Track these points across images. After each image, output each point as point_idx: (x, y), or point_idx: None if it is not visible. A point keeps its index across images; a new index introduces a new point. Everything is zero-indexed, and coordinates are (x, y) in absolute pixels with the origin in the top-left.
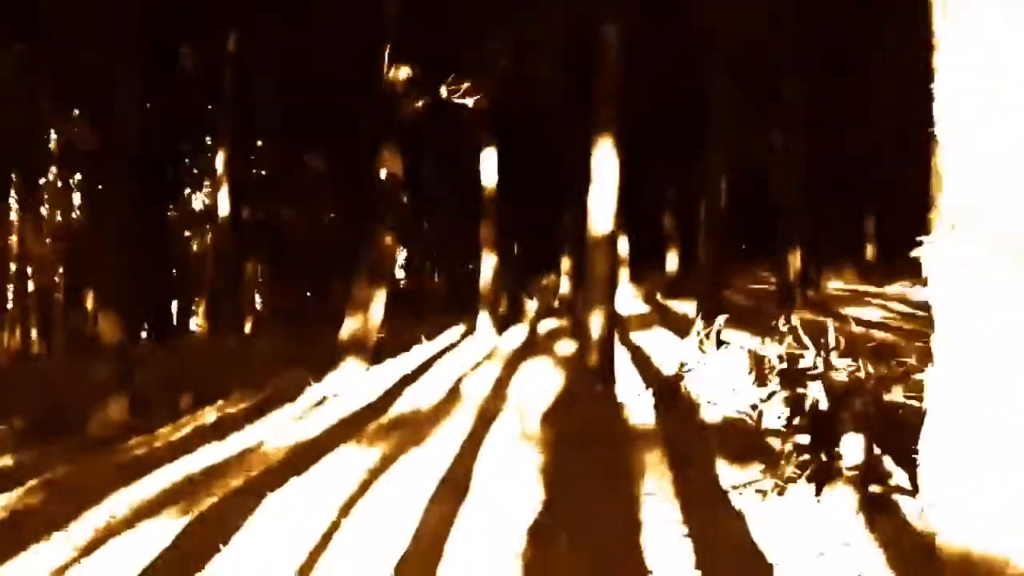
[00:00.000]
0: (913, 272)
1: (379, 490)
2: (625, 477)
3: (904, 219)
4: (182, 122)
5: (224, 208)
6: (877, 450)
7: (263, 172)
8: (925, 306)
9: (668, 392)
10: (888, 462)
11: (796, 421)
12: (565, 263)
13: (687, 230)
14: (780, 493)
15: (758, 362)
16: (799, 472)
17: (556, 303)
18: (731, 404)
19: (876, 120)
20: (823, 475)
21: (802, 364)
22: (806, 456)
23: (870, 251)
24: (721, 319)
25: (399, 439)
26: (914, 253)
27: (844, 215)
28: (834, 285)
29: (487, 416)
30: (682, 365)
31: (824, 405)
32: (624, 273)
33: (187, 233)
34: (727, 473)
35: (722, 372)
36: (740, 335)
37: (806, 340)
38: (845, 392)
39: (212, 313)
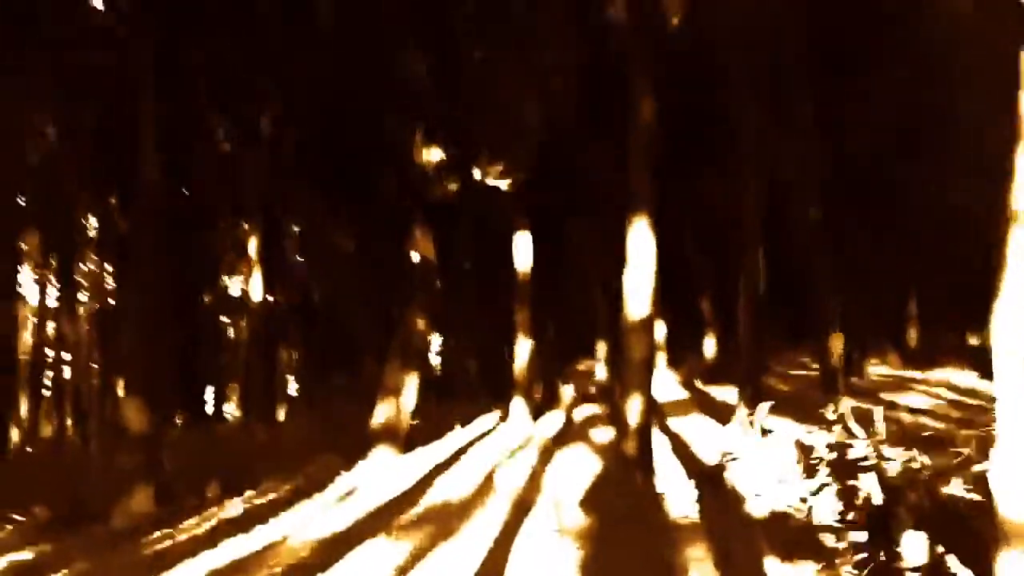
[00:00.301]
0: (956, 357)
1: None
2: (671, 569)
3: (946, 302)
4: (213, 201)
5: (257, 293)
6: (939, 548)
7: (297, 257)
8: (971, 392)
9: (711, 482)
10: (953, 561)
11: (850, 516)
12: (601, 348)
13: (726, 315)
14: None
15: (805, 452)
16: (856, 572)
17: (592, 389)
18: (778, 496)
19: (924, 199)
20: None
21: (852, 454)
22: (863, 555)
23: (912, 335)
24: (764, 406)
25: (430, 532)
26: (973, 340)
27: (885, 298)
28: (877, 371)
29: (522, 507)
30: (725, 454)
31: (878, 499)
32: (661, 358)
33: (223, 318)
34: (776, 571)
35: (767, 462)
36: (784, 422)
37: (856, 429)
38: (900, 485)
39: (246, 399)
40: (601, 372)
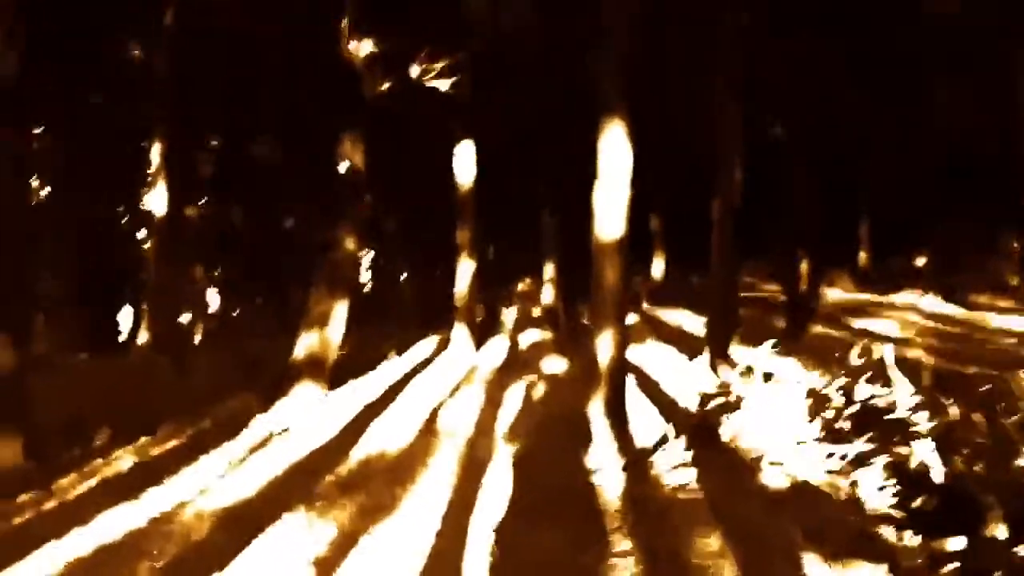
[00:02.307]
0: (907, 280)
1: None
2: None
3: (898, 223)
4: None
5: (161, 207)
6: None
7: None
8: (945, 318)
9: (703, 439)
10: None
11: (918, 502)
12: (548, 268)
13: (677, 234)
14: None
15: (818, 403)
16: None
17: (537, 311)
18: (801, 465)
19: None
20: None
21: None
22: (956, 564)
23: (863, 257)
24: (767, 345)
25: (361, 504)
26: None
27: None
28: (833, 294)
29: (474, 464)
30: (706, 398)
31: (938, 472)
32: None
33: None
34: None
35: (776, 416)
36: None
37: (898, 376)
38: (964, 453)
39: (153, 327)
40: (548, 295)
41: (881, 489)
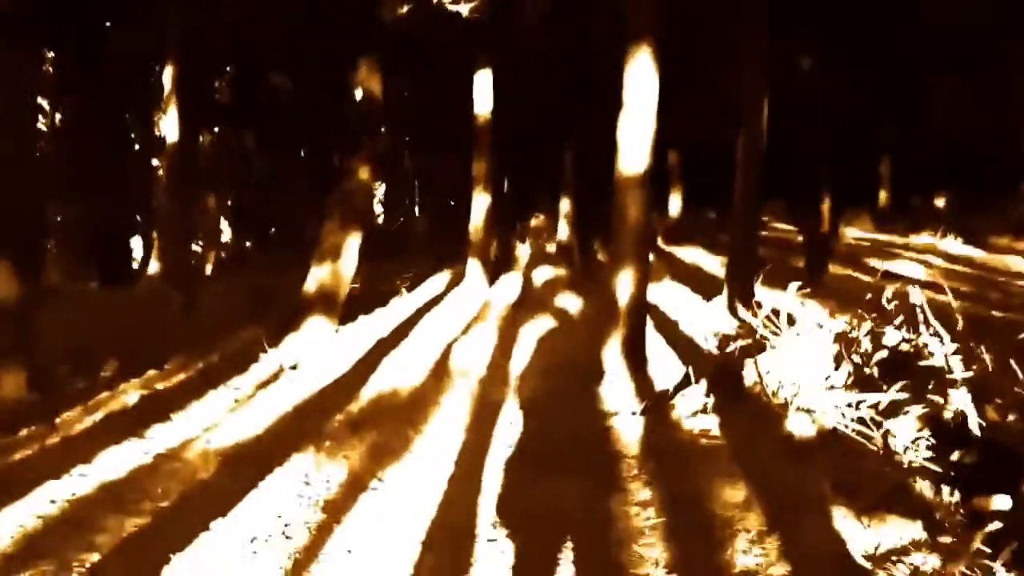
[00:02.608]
0: (927, 220)
1: (332, 555)
2: (702, 530)
3: (919, 163)
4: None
5: (173, 133)
6: None
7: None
8: (966, 260)
9: (724, 384)
10: None
11: (956, 456)
12: (564, 204)
13: (692, 169)
14: None
15: (845, 348)
16: (989, 550)
17: (551, 248)
18: (829, 412)
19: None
20: None
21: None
22: (998, 523)
23: (883, 197)
24: (793, 287)
25: (371, 445)
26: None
27: (856, 158)
28: (853, 234)
29: (487, 406)
30: (725, 340)
31: (974, 423)
32: None
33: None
34: (853, 532)
35: (802, 361)
36: (809, 306)
37: (933, 323)
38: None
39: (165, 256)
40: (563, 231)
41: (915, 441)
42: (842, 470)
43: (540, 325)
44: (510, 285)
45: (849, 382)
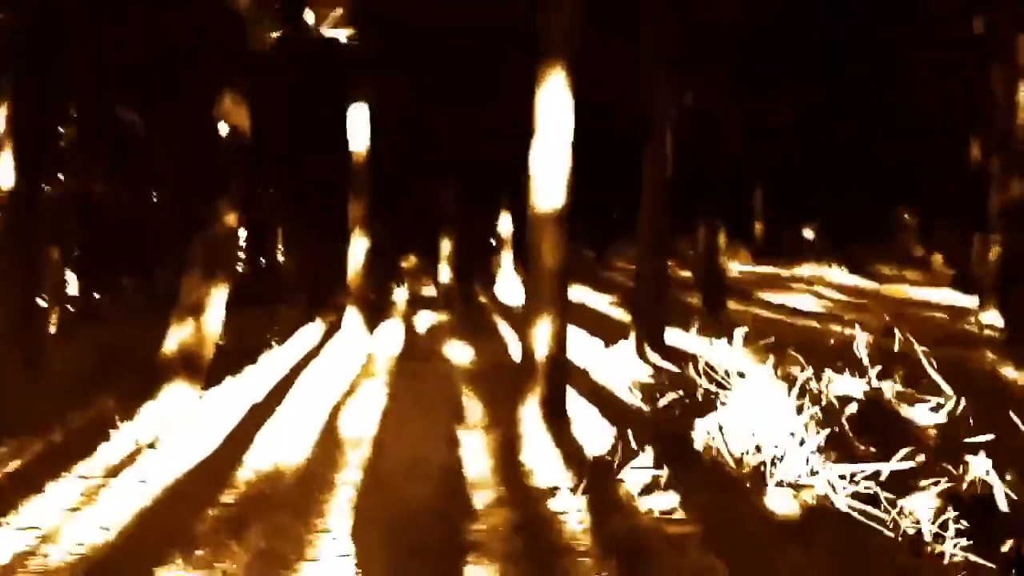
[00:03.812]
0: (799, 251)
1: None
2: None
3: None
4: None
5: (7, 178)
6: None
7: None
8: (856, 291)
9: (670, 445)
10: None
11: (1007, 546)
12: (444, 245)
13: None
14: None
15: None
16: None
17: (429, 291)
18: (817, 483)
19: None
20: None
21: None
22: None
23: (758, 229)
24: (740, 333)
25: (255, 553)
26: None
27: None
28: (735, 267)
29: (392, 487)
30: (650, 391)
31: (1000, 497)
32: (508, 258)
33: None
34: None
35: (763, 420)
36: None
37: (937, 379)
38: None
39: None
40: (444, 274)
41: (938, 522)
42: (854, 565)
43: (435, 381)
44: (392, 334)
45: (821, 443)
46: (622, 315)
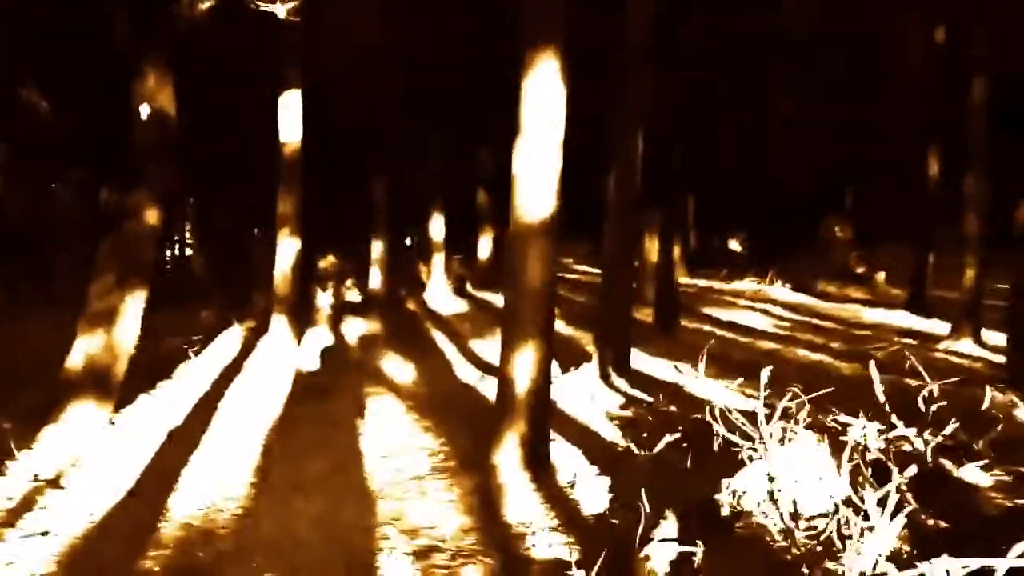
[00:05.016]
0: (729, 265)
1: None
2: None
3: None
4: None
5: None
6: None
7: None
8: (806, 309)
9: (702, 521)
10: None
11: None
12: (376, 247)
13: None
14: None
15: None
16: None
17: (352, 296)
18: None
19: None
20: None
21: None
22: None
23: (692, 240)
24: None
25: None
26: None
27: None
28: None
29: (353, 550)
30: (637, 428)
31: None
32: (439, 261)
33: None
34: None
35: (803, 480)
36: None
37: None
38: None
39: None
40: (375, 278)
41: None
42: None
43: (381, 404)
44: (319, 343)
45: (881, 506)
46: (572, 331)
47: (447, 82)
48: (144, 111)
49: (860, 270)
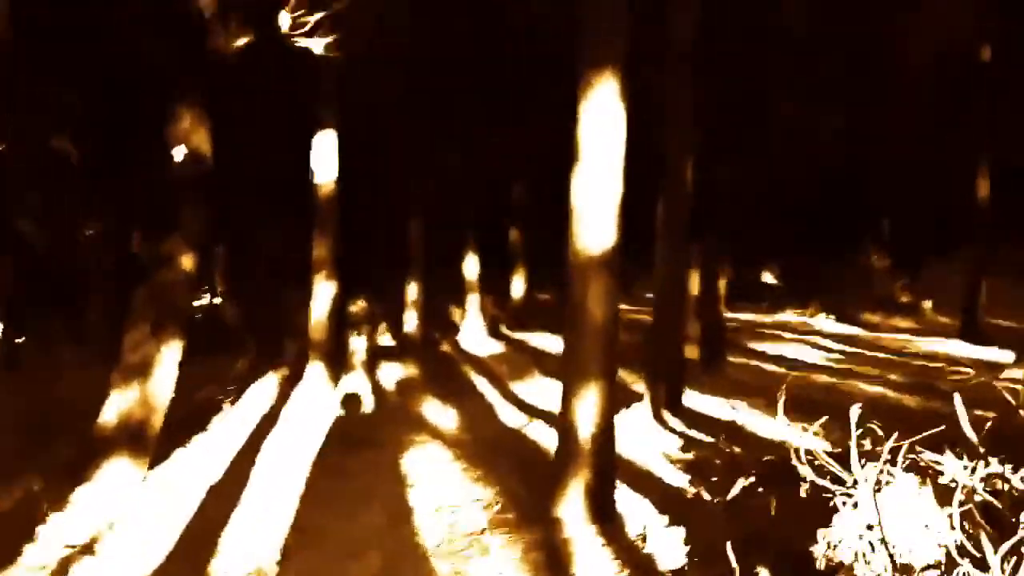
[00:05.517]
0: (790, 299)
1: None
2: None
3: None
4: None
5: None
6: None
7: None
8: (850, 339)
9: (778, 558)
10: None
11: None
12: (412, 289)
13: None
14: None
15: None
16: None
17: (385, 340)
18: None
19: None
20: None
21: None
22: None
23: (728, 272)
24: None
25: None
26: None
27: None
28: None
29: None
30: (705, 471)
31: None
32: (474, 300)
33: None
34: None
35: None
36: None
37: None
38: None
39: None
40: (410, 321)
41: None
42: None
43: (426, 452)
44: (357, 391)
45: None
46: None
47: (483, 114)
48: (179, 153)
49: (905, 299)
